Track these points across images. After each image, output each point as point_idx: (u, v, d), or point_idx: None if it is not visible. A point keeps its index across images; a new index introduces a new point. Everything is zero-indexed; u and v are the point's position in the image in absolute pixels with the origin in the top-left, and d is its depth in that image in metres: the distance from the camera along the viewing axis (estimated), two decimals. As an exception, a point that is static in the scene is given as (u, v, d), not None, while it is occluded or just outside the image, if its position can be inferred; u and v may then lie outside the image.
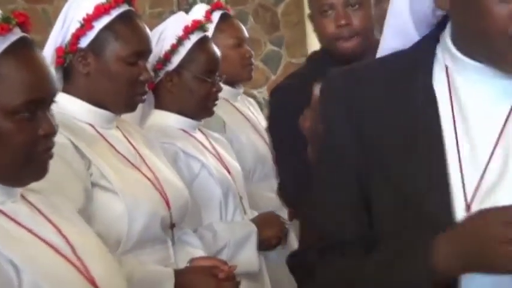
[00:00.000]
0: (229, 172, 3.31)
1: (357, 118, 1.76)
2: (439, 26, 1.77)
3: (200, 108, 3.29)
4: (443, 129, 1.70)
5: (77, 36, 2.70)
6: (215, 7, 3.96)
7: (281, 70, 6.80)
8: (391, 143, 1.72)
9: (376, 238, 1.74)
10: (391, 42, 1.82)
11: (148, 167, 2.80)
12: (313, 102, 2.44)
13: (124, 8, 2.74)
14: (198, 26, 3.27)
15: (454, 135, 1.69)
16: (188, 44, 3.20)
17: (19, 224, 1.94)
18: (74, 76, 2.72)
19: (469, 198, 1.64)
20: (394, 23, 1.81)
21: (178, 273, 2.65)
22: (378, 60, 1.87)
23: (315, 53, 2.96)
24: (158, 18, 5.71)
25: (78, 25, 2.70)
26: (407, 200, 1.68)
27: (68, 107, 2.64)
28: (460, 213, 1.62)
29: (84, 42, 2.70)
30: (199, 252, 2.89)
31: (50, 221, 2.01)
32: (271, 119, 3.13)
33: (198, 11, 3.92)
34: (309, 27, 5.91)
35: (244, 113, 3.85)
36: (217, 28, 3.88)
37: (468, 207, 1.63)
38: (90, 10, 2.70)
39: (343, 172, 1.78)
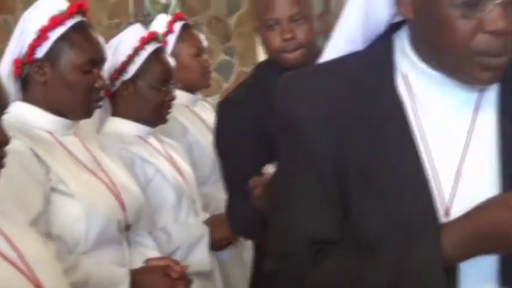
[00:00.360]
0: (182, 176, 3.31)
1: (328, 118, 1.71)
2: (391, 27, 1.74)
3: (155, 116, 3.28)
4: (415, 137, 1.68)
5: (33, 47, 2.68)
6: (177, 18, 3.95)
7: (233, 78, 6.82)
8: (364, 150, 1.69)
9: (359, 239, 1.71)
10: (338, 50, 1.79)
11: (105, 172, 2.79)
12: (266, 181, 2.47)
13: (78, 18, 2.72)
14: (153, 37, 3.27)
15: (423, 143, 1.67)
16: (144, 55, 3.20)
17: None
18: (32, 86, 2.70)
19: (447, 202, 1.63)
20: (344, 34, 1.78)
21: (134, 273, 2.65)
22: (335, 61, 1.80)
23: (262, 62, 2.96)
24: (116, 29, 5.69)
25: (34, 36, 2.68)
26: (388, 206, 1.66)
27: (27, 115, 2.63)
28: (440, 217, 1.62)
29: (40, 53, 2.68)
30: (154, 253, 2.89)
31: None
32: (217, 134, 3.04)
33: (161, 21, 3.93)
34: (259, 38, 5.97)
35: (202, 117, 3.85)
36: (179, 38, 3.87)
37: (447, 211, 1.63)
38: (45, 21, 2.68)
39: (321, 171, 1.72)
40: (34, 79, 2.68)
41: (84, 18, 2.76)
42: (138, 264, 2.73)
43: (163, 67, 3.24)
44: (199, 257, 3.19)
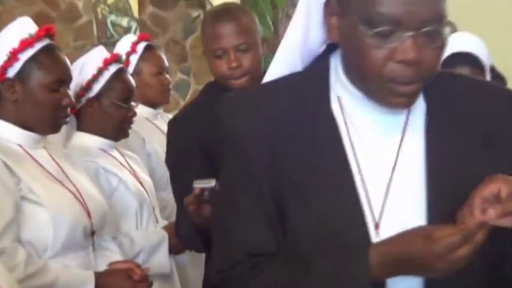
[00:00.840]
0: (143, 186, 3.31)
1: (267, 137, 1.67)
2: (329, 47, 1.72)
3: (117, 131, 3.27)
4: (347, 156, 1.64)
5: (5, 67, 2.68)
6: (140, 39, 3.96)
7: (189, 96, 6.86)
8: (300, 166, 1.65)
9: (295, 251, 1.68)
10: (278, 73, 1.76)
11: (71, 182, 2.78)
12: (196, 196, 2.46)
13: (46, 41, 2.72)
14: (116, 58, 3.27)
15: (355, 160, 1.64)
16: (107, 74, 3.19)
17: None
18: (3, 102, 2.69)
19: (377, 217, 1.61)
20: (284, 58, 1.77)
21: (99, 275, 2.66)
22: (275, 81, 1.77)
23: (211, 82, 2.90)
24: (81, 50, 5.68)
25: (5, 58, 2.68)
26: (321, 220, 1.63)
27: None
28: (370, 231, 1.60)
29: (11, 73, 2.68)
30: (118, 257, 2.88)
31: None
32: (167, 150, 2.93)
33: (126, 42, 3.95)
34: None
35: (162, 129, 3.77)
36: (141, 57, 3.89)
37: (377, 225, 1.60)
38: (16, 44, 2.68)
39: (258, 186, 1.68)
40: (5, 97, 2.68)
41: (52, 41, 2.76)
42: (103, 267, 2.74)
43: (125, 86, 3.24)
44: (160, 260, 3.18)
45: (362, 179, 1.62)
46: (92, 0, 7.00)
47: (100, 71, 3.17)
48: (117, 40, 6.25)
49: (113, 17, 7.15)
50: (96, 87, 3.18)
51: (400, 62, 1.52)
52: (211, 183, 2.36)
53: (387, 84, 1.54)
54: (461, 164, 1.61)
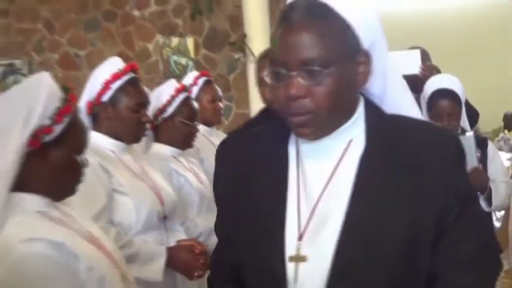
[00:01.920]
0: (203, 185, 3.32)
1: (235, 169, 1.58)
2: None
3: (185, 143, 3.29)
4: (289, 183, 1.48)
5: (100, 94, 2.72)
6: (201, 75, 3.97)
7: (232, 117, 6.90)
8: (253, 189, 1.51)
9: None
10: None
11: (150, 179, 2.81)
12: None
13: (131, 74, 2.76)
14: (184, 88, 3.31)
15: (296, 186, 1.47)
16: (178, 100, 3.22)
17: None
18: (99, 120, 2.73)
19: (302, 230, 1.42)
20: None
21: (169, 249, 2.69)
22: (258, 129, 1.64)
23: (264, 108, 2.64)
24: (151, 82, 5.75)
25: (100, 87, 2.72)
26: (256, 234, 1.47)
27: (97, 140, 2.64)
28: (294, 241, 1.43)
29: (105, 98, 2.72)
30: (183, 237, 2.89)
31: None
32: (214, 174, 2.48)
33: (190, 77, 3.96)
34: (252, 89, 6.06)
35: (214, 142, 3.77)
36: (201, 89, 3.90)
37: (300, 236, 1.42)
38: (108, 76, 2.72)
39: (227, 209, 1.63)
40: (101, 116, 2.72)
41: (135, 75, 2.80)
42: (172, 243, 2.76)
43: (191, 109, 3.27)
44: (215, 241, 3.13)
45: (298, 199, 1.46)
46: (159, 44, 7.11)
47: (172, 97, 3.20)
48: (178, 74, 6.35)
49: (175, 57, 7.11)
50: (170, 110, 3.20)
51: (285, 98, 1.40)
52: None
53: (288, 117, 1.42)
54: (384, 196, 1.39)
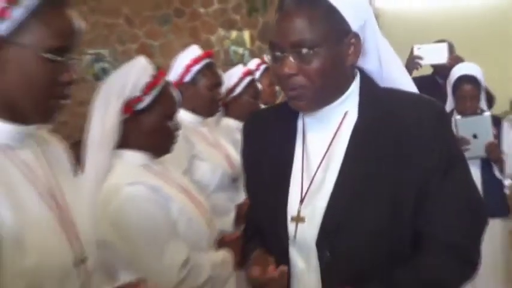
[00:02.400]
0: None
1: (253, 142, 1.55)
2: None
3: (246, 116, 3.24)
4: (295, 154, 1.44)
5: (183, 76, 2.70)
6: (262, 62, 3.87)
7: (280, 98, 6.87)
8: (266, 160, 1.47)
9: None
10: None
11: (222, 147, 2.78)
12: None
13: (207, 60, 2.74)
14: (250, 72, 3.25)
15: (301, 156, 1.44)
16: (244, 82, 3.20)
17: None
18: (182, 98, 2.61)
19: (303, 195, 1.40)
20: None
21: (237, 206, 2.61)
22: (276, 106, 1.60)
23: None
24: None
25: (182, 70, 2.71)
26: (267, 198, 1.45)
27: (180, 114, 2.45)
28: (296, 204, 1.40)
29: (186, 79, 2.69)
30: None
31: None
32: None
33: (253, 63, 3.88)
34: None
35: None
36: (262, 74, 3.81)
37: (302, 200, 1.39)
38: (189, 61, 2.71)
39: (248, 176, 1.58)
40: (183, 94, 2.64)
41: (211, 59, 2.78)
42: (241, 201, 2.68)
43: (255, 89, 3.24)
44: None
45: (302, 167, 1.43)
46: (220, 37, 7.14)
47: (240, 80, 3.18)
48: (236, 62, 6.33)
49: (233, 48, 7.12)
50: (238, 90, 3.17)
51: (281, 76, 1.35)
52: None
53: (285, 92, 1.38)
54: (371, 161, 1.33)
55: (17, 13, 1.16)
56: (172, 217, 1.87)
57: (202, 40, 6.91)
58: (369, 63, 1.44)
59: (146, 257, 1.80)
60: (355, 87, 1.41)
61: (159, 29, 7.12)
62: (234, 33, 7.15)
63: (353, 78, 1.42)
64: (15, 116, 1.21)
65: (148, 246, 1.80)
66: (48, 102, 1.21)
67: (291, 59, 1.32)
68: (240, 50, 7.16)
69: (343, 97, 1.39)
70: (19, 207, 1.15)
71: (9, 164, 1.20)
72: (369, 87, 1.42)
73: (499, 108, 8.02)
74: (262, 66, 3.83)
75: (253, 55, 6.90)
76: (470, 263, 1.37)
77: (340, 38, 1.33)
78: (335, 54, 1.33)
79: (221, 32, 7.09)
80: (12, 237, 1.12)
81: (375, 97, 1.39)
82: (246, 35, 7.13)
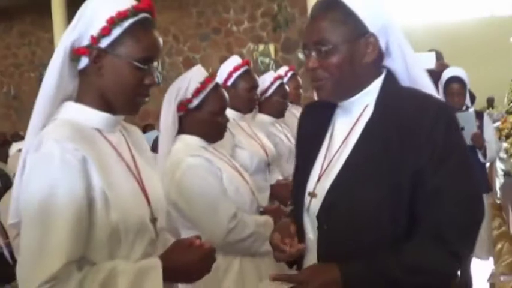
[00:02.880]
0: (290, 142, 3.15)
1: (301, 129, 1.52)
2: None
3: (278, 114, 3.20)
4: (325, 139, 1.41)
5: (226, 80, 2.60)
6: (290, 69, 3.80)
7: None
8: (306, 144, 1.46)
9: None
10: None
11: (258, 138, 2.75)
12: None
13: (246, 67, 2.66)
14: (280, 78, 3.20)
15: (328, 141, 1.40)
16: (274, 86, 3.17)
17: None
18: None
19: (321, 174, 1.36)
20: None
21: (273, 187, 2.60)
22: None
23: None
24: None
25: (225, 76, 2.62)
26: (297, 176, 1.45)
27: None
28: (314, 182, 1.37)
29: (229, 83, 2.60)
30: (280, 177, 2.78)
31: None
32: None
33: (282, 70, 3.77)
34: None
35: (296, 115, 3.34)
36: (289, 79, 3.70)
37: (319, 178, 1.36)
38: (231, 68, 2.64)
39: (296, 158, 1.53)
40: (227, 95, 2.20)
41: (249, 67, 2.68)
42: (273, 182, 2.68)
43: (284, 91, 3.20)
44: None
45: (326, 152, 1.39)
46: (250, 49, 7.24)
47: (272, 83, 3.17)
48: (264, 70, 6.39)
49: (261, 58, 7.25)
50: (269, 91, 3.15)
51: (307, 69, 1.34)
52: None
53: (312, 83, 1.36)
54: (376, 149, 1.28)
55: (116, 31, 1.26)
56: (223, 186, 1.97)
57: (235, 53, 6.90)
58: (394, 63, 1.37)
59: (203, 213, 1.91)
60: (378, 83, 1.35)
61: (200, 44, 7.30)
62: (261, 46, 7.28)
63: (378, 75, 1.35)
64: (109, 107, 1.31)
65: (206, 204, 1.90)
66: (135, 99, 1.31)
67: (314, 55, 1.31)
68: (267, 60, 7.25)
69: (365, 91, 1.34)
70: (109, 177, 1.23)
71: (103, 143, 1.29)
72: (390, 84, 1.35)
73: (478, 104, 8.12)
74: (290, 73, 3.78)
75: (277, 64, 7.03)
76: (454, 257, 1.24)
77: (356, 38, 1.29)
78: (352, 51, 1.29)
79: (251, 45, 7.26)
80: (102, 199, 1.21)
81: (393, 94, 1.33)
82: (271, 47, 7.25)
